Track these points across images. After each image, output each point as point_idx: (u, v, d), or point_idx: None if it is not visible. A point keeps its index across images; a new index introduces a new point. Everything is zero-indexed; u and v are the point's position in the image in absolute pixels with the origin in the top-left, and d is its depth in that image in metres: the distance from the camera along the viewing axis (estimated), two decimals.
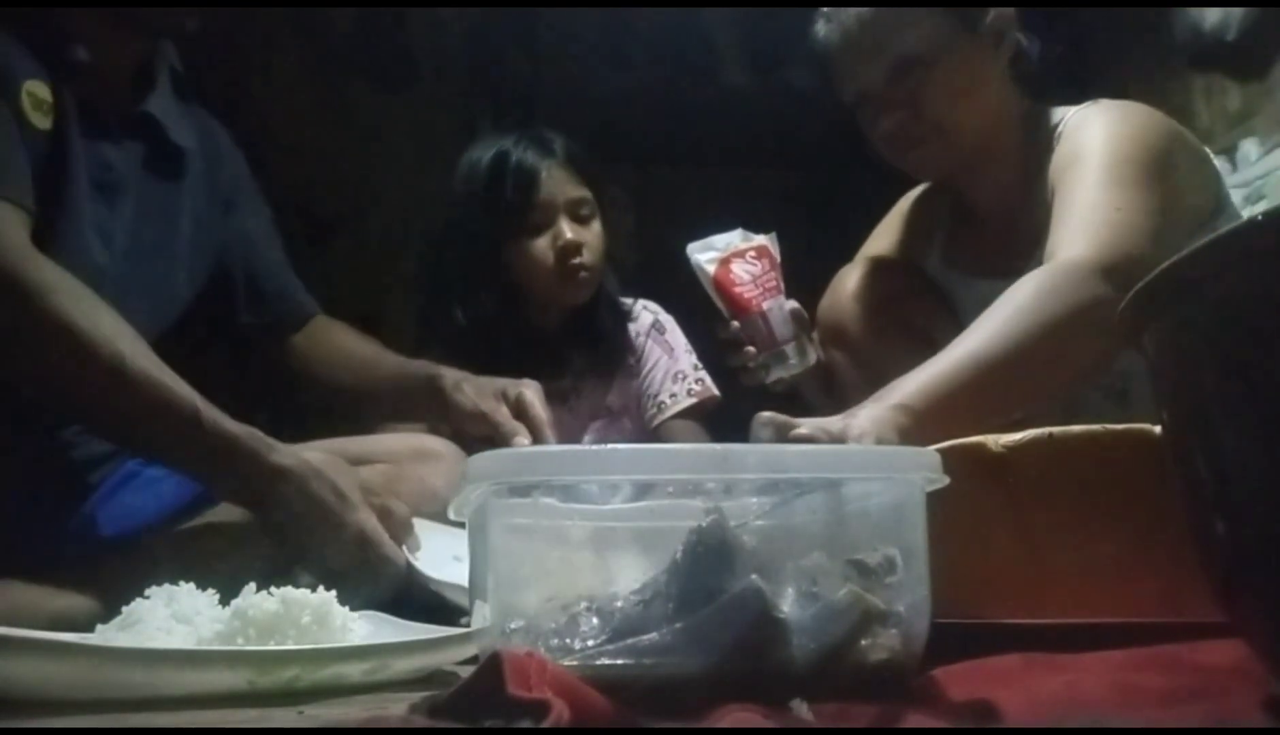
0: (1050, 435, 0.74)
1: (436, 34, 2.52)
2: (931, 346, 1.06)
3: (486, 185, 1.54)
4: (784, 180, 2.73)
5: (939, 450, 0.64)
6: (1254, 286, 0.40)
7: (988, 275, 1.31)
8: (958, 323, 1.21)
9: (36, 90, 1.02)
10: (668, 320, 1.71)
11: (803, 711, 0.49)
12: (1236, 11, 1.76)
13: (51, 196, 1.03)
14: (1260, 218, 0.40)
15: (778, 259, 1.30)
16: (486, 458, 0.58)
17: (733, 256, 1.29)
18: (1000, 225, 1.33)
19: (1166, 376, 0.48)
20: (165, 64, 1.20)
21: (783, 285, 1.29)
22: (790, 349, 1.27)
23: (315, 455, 1.02)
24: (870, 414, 0.93)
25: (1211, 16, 1.80)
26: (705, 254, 1.30)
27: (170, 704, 0.61)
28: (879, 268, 1.44)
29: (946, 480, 0.60)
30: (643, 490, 0.58)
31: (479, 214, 1.55)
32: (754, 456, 0.56)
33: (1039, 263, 1.11)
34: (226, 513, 1.04)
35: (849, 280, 1.42)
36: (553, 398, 1.43)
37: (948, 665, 0.60)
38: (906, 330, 1.31)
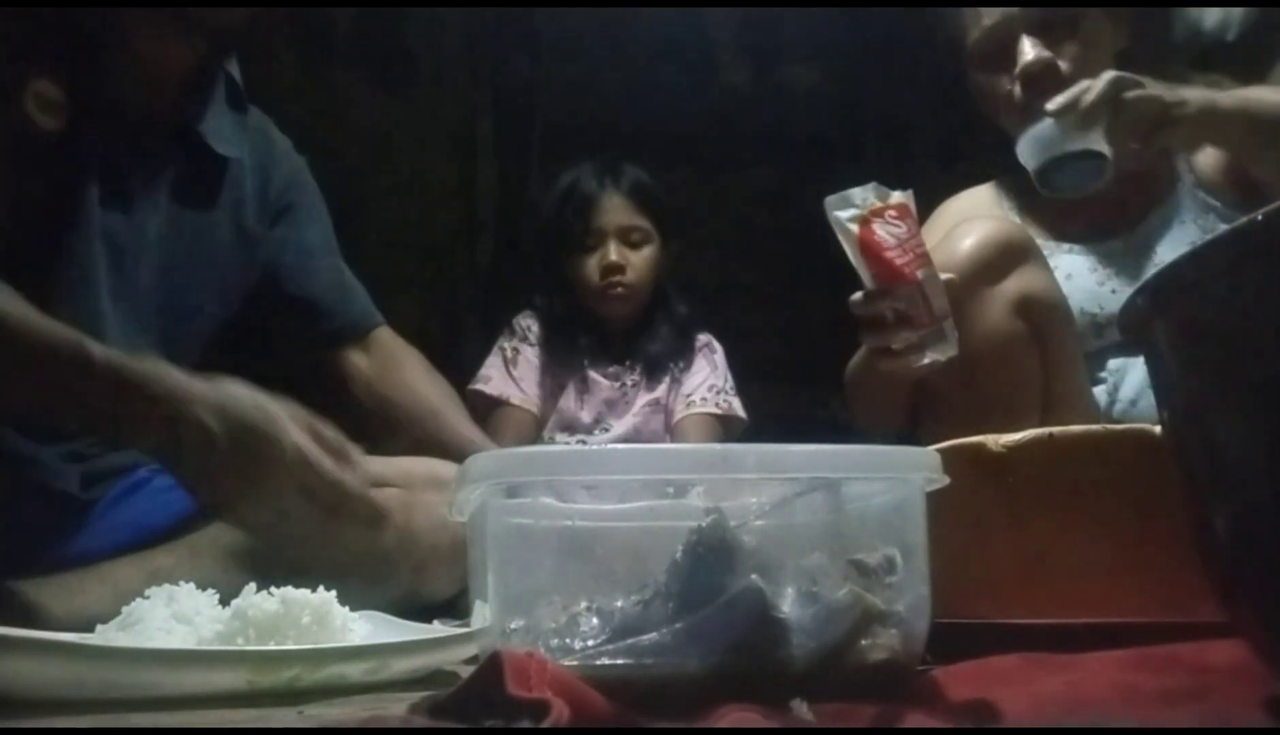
0: (1050, 435, 0.74)
1: (436, 34, 2.52)
2: (1030, 317, 1.16)
3: (557, 207, 1.83)
4: (783, 180, 2.73)
5: (939, 450, 0.64)
6: (1254, 286, 0.40)
7: (1090, 240, 1.35)
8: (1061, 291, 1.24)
9: (45, 90, 0.99)
10: (719, 347, 1.91)
11: (803, 711, 0.49)
12: (1236, 11, 1.75)
13: (56, 201, 1.01)
14: (1260, 217, 0.40)
15: (918, 221, 1.13)
16: (486, 458, 0.58)
17: (872, 215, 1.10)
18: (1096, 203, 1.33)
19: (1166, 376, 0.48)
20: (220, 71, 1.16)
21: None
22: (948, 326, 1.10)
23: (231, 381, 0.91)
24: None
25: (1211, 16, 1.80)
26: (845, 211, 1.11)
27: (170, 704, 0.61)
28: (1000, 228, 1.28)
29: (946, 480, 0.60)
30: (643, 490, 0.58)
31: (550, 231, 1.84)
32: (753, 456, 0.56)
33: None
34: (226, 529, 1.01)
35: (967, 238, 1.24)
36: (615, 379, 1.82)
37: (948, 665, 0.60)
38: (1011, 298, 1.20)
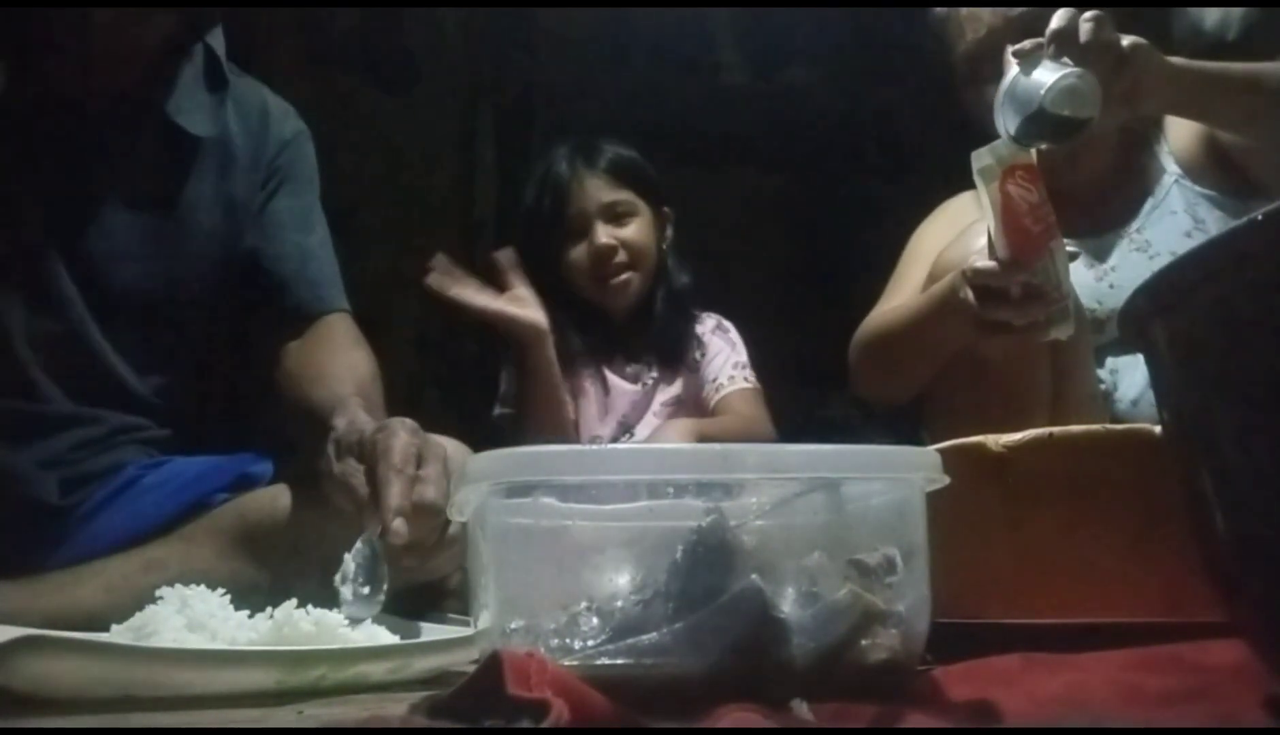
0: (1050, 435, 0.74)
1: (436, 34, 2.52)
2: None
3: (535, 198, 1.72)
4: (784, 180, 2.73)
5: (939, 450, 0.64)
6: (1253, 286, 0.40)
7: (1086, 236, 1.34)
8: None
9: None
10: (729, 325, 1.81)
11: (803, 711, 0.49)
12: (1236, 11, 1.76)
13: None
14: (1259, 217, 0.40)
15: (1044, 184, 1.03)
16: (486, 457, 0.58)
17: (1009, 173, 1.00)
18: (1087, 200, 1.35)
19: (1166, 376, 0.49)
20: (192, 47, 1.10)
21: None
22: (1071, 304, 1.02)
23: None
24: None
25: (1211, 16, 1.80)
26: (987, 166, 1.03)
27: (170, 704, 0.61)
28: None
29: (946, 480, 0.60)
30: (643, 490, 0.58)
31: (532, 225, 1.72)
32: (754, 456, 0.56)
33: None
34: (221, 516, 1.01)
35: (982, 238, 1.18)
36: (629, 377, 1.69)
37: (948, 665, 0.60)
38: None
